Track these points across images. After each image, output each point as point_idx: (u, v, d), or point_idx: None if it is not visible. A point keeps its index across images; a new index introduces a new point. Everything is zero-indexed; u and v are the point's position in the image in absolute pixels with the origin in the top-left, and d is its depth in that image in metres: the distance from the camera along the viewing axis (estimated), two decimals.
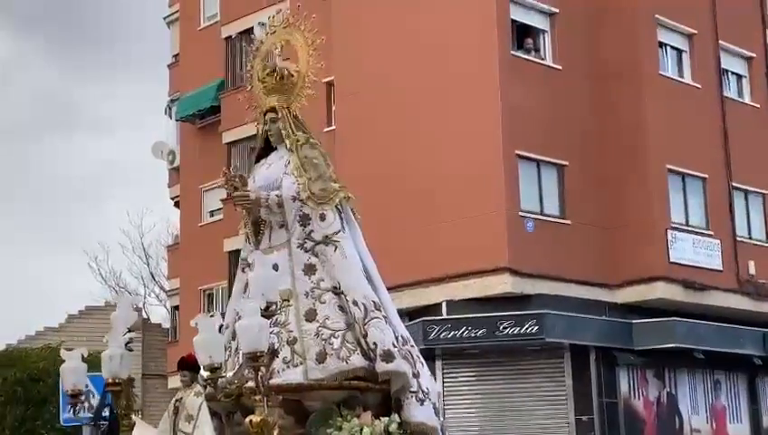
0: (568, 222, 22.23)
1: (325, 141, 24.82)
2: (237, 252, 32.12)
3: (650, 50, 23.56)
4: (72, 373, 7.90)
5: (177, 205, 32.86)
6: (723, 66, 25.16)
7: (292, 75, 8.46)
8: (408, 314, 22.07)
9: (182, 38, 32.20)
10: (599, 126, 22.79)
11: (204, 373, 6.95)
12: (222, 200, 29.17)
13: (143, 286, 41.47)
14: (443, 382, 21.60)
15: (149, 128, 60.19)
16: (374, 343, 7.84)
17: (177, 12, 32.97)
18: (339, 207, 8.27)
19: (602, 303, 22.24)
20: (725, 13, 24.98)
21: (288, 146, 8.35)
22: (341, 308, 7.96)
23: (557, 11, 23.06)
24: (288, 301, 7.93)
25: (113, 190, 56.71)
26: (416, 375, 7.97)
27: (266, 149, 8.59)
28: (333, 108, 25.02)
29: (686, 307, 22.70)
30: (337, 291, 8.00)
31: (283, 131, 8.38)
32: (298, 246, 8.12)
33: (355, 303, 7.94)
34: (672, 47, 24.44)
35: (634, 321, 22.25)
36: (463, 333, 20.94)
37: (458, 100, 21.67)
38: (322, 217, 8.14)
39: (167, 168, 33.36)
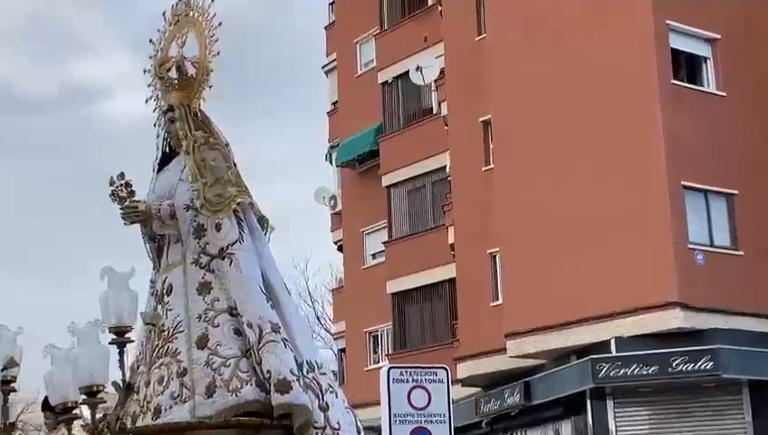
0: (740, 253, 21.46)
1: (484, 180, 24.94)
2: (401, 294, 32.17)
3: None
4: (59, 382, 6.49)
5: (340, 249, 33.34)
6: None
7: (195, 66, 7.51)
8: (575, 353, 21.69)
9: (340, 85, 32.85)
10: None
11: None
12: (384, 243, 29.44)
13: (310, 330, 42.29)
14: (615, 422, 21.07)
15: (310, 174, 61.90)
16: (268, 372, 6.72)
17: (334, 60, 33.65)
18: (239, 214, 7.23)
19: None
20: None
21: (185, 148, 7.36)
22: (237, 332, 6.91)
23: (719, 36, 22.43)
24: (154, 325, 6.99)
25: (277, 236, 57.97)
26: (323, 408, 6.89)
27: (172, 154, 7.60)
28: (491, 146, 24.97)
29: None
30: (234, 312, 6.96)
31: (180, 132, 7.37)
32: (192, 262, 7.13)
33: (249, 325, 6.85)
34: None
35: None
36: (634, 370, 20.39)
37: (619, 132, 21.30)
38: (218, 227, 7.11)
39: (329, 212, 33.95)
